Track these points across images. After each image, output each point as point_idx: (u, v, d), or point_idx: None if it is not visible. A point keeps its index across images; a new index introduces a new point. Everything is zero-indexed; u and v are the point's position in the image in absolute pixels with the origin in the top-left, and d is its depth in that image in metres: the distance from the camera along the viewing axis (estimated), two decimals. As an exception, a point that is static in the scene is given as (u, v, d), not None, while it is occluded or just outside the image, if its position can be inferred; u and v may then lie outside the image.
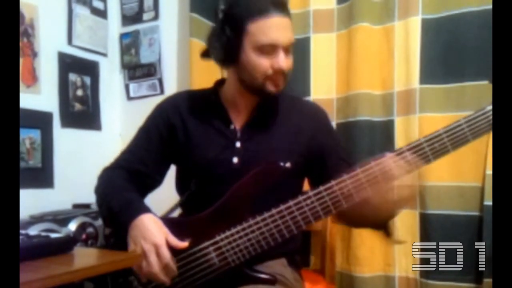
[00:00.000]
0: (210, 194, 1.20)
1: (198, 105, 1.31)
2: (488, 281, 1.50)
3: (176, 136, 1.29)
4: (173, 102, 1.35)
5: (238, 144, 1.25)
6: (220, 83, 1.35)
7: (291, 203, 1.11)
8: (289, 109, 1.30)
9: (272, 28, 1.14)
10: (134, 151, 1.32)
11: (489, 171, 1.54)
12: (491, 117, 1.03)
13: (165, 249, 1.09)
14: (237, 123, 1.28)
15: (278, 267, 1.24)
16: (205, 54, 1.29)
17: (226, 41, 1.17)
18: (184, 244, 1.13)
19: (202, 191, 1.25)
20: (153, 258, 1.09)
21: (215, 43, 1.20)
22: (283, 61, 1.17)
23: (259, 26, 1.14)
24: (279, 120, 1.28)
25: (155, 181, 1.33)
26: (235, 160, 1.24)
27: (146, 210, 1.17)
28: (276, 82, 1.19)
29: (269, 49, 1.15)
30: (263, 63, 1.16)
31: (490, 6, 1.54)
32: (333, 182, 1.09)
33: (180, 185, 1.36)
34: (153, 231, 1.11)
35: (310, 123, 1.29)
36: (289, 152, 1.23)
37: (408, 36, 1.70)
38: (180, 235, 1.14)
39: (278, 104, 1.30)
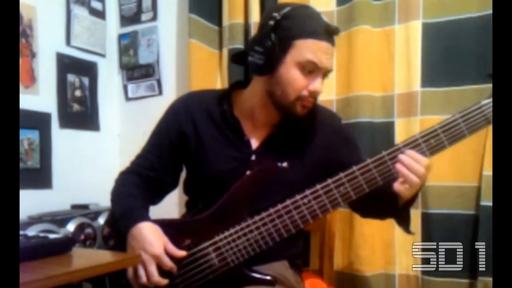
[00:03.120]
0: None
1: (211, 112, 1.28)
2: (482, 279, 1.51)
3: (188, 144, 1.28)
4: (185, 108, 1.32)
5: (253, 157, 1.23)
6: (235, 85, 1.33)
7: (288, 202, 1.11)
8: (307, 122, 1.26)
9: (319, 50, 1.13)
10: (146, 157, 1.33)
11: (486, 172, 1.55)
12: (486, 111, 1.03)
13: (166, 258, 1.11)
14: (253, 136, 1.25)
15: (280, 268, 1.23)
16: (237, 58, 1.29)
17: (271, 49, 1.13)
18: (182, 253, 1.14)
19: (213, 202, 1.20)
20: (152, 268, 1.11)
21: (258, 47, 1.15)
22: (320, 85, 1.16)
23: (308, 44, 1.12)
24: (296, 138, 1.25)
25: (167, 185, 1.36)
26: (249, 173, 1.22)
27: (145, 218, 1.17)
28: (306, 105, 1.18)
29: (310, 69, 1.14)
30: (301, 82, 1.14)
31: (490, 12, 1.56)
32: (329, 181, 1.09)
33: (188, 187, 1.36)
34: (151, 242, 1.12)
35: (326, 135, 1.27)
36: (305, 169, 1.22)
37: (409, 40, 1.70)
38: (179, 237, 1.15)
39: (297, 122, 1.25)
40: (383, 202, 1.15)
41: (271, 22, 1.15)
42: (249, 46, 1.19)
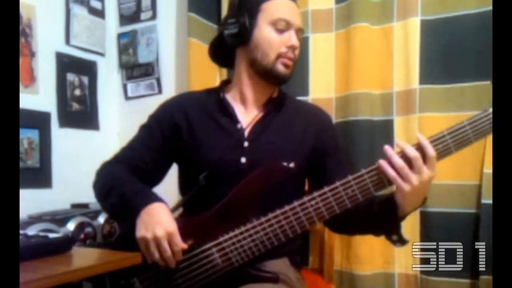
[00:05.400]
0: (217, 194, 1.18)
1: (204, 104, 1.31)
2: (484, 278, 1.51)
3: (180, 136, 1.28)
4: (178, 102, 1.34)
5: (246, 144, 1.24)
6: (225, 83, 1.37)
7: (295, 203, 1.10)
8: (295, 111, 1.32)
9: (286, 7, 1.24)
10: (135, 148, 1.30)
11: (487, 170, 1.55)
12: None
13: (178, 237, 1.08)
14: (244, 121, 1.27)
15: (281, 266, 1.23)
16: (212, 50, 1.34)
17: (242, 17, 1.23)
18: (184, 245, 1.10)
19: (208, 191, 1.23)
20: (165, 245, 1.07)
21: (230, 20, 1.25)
22: (295, 39, 1.23)
23: (274, 4, 1.23)
24: (286, 122, 1.28)
25: (154, 179, 1.32)
26: (243, 160, 1.23)
27: (161, 200, 1.15)
28: (287, 63, 1.23)
29: (283, 26, 1.22)
30: (277, 39, 1.22)
31: (488, 8, 1.57)
32: (338, 183, 1.08)
33: (185, 185, 1.34)
34: (167, 220, 1.08)
35: (315, 126, 1.30)
36: (296, 153, 1.23)
37: (407, 37, 1.70)
38: (182, 237, 1.13)
39: (284, 106, 1.31)
40: (375, 215, 1.14)
41: (237, 1, 1.27)
42: (223, 23, 1.29)
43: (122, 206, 1.17)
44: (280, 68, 1.23)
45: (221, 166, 1.22)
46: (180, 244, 1.08)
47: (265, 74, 1.25)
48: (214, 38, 1.34)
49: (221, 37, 1.28)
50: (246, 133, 1.26)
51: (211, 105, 1.30)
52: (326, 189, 1.09)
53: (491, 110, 1.03)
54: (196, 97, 1.35)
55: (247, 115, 1.29)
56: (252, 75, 1.28)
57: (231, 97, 1.32)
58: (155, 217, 1.09)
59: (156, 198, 1.14)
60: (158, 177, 1.34)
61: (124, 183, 1.20)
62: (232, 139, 1.25)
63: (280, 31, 1.22)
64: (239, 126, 1.26)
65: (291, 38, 1.23)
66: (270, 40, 1.22)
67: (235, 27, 1.24)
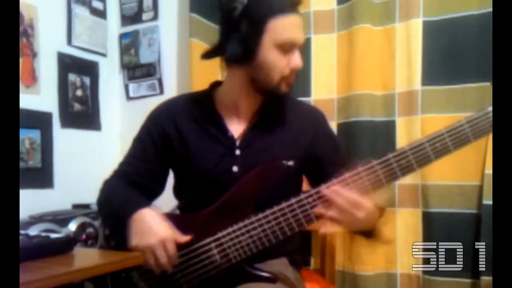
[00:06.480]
0: (210, 204, 1.17)
1: (193, 112, 1.27)
2: (485, 278, 1.51)
3: (172, 146, 1.26)
4: (166, 110, 1.31)
5: (237, 152, 1.22)
6: (215, 85, 1.32)
7: (293, 200, 1.10)
8: (289, 113, 1.28)
9: (292, 26, 1.13)
10: (130, 163, 1.30)
11: (488, 171, 1.55)
12: (492, 117, 1.03)
13: (172, 243, 1.09)
14: (236, 129, 1.25)
15: (280, 266, 1.24)
16: (208, 54, 1.25)
17: (244, 37, 1.13)
18: (186, 238, 1.12)
19: (202, 200, 1.21)
20: (160, 252, 1.08)
21: (229, 38, 1.16)
22: (300, 60, 1.16)
23: (280, 23, 1.11)
24: (279, 125, 1.25)
25: (153, 191, 1.32)
26: (235, 168, 1.21)
27: (146, 204, 1.15)
28: (289, 82, 1.18)
29: (287, 47, 1.13)
30: (282, 62, 1.14)
31: (489, 10, 1.57)
32: (334, 181, 1.08)
33: (179, 193, 1.35)
34: (158, 226, 1.10)
35: (310, 127, 1.27)
36: (290, 156, 1.19)
37: (409, 38, 1.71)
38: (182, 231, 1.13)
39: (278, 109, 1.27)
40: None
41: (239, 7, 1.13)
42: (222, 37, 1.19)
43: (112, 217, 1.22)
44: (283, 88, 1.18)
45: (214, 176, 1.22)
46: (173, 250, 1.10)
47: (265, 92, 1.20)
48: (214, 48, 1.24)
49: (221, 48, 1.20)
50: (237, 141, 1.23)
51: (200, 113, 1.27)
52: (323, 186, 1.09)
53: (489, 109, 1.03)
54: (185, 104, 1.30)
55: (238, 123, 1.26)
56: (248, 88, 1.21)
57: (222, 105, 1.27)
58: (144, 225, 1.10)
59: (142, 204, 1.14)
60: (157, 189, 1.33)
61: (115, 195, 1.23)
62: (223, 148, 1.23)
63: (285, 52, 1.14)
64: (229, 134, 1.24)
65: (296, 59, 1.15)
66: (275, 63, 1.14)
67: (239, 46, 1.14)
